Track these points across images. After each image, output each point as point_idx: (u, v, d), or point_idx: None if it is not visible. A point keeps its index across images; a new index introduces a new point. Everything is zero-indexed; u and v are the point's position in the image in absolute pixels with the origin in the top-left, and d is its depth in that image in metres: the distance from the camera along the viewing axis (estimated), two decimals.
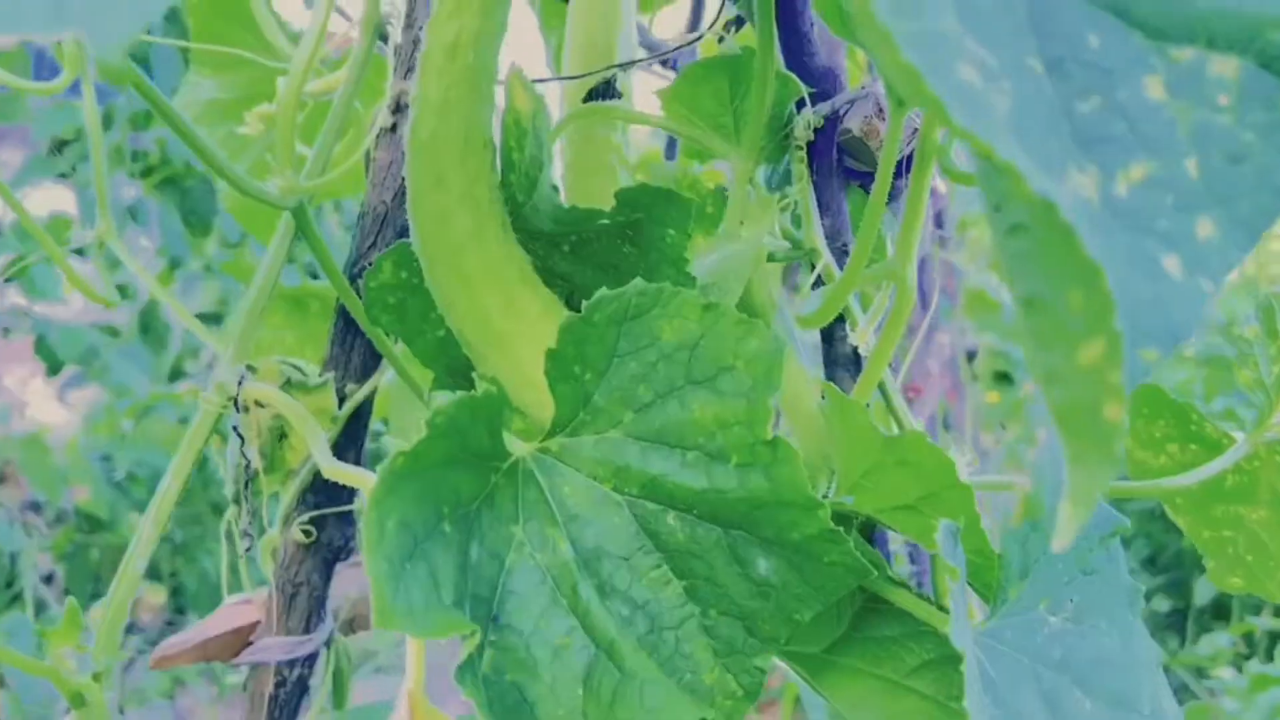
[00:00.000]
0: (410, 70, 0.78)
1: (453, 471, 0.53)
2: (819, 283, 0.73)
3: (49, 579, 3.73)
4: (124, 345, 3.99)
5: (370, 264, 0.80)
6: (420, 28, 0.77)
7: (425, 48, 0.62)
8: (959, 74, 0.33)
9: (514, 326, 0.64)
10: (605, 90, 0.76)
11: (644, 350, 0.56)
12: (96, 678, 0.63)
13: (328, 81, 0.80)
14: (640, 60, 0.75)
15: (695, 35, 0.78)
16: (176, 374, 4.42)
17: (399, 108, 0.78)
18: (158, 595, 3.86)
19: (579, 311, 0.73)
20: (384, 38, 0.78)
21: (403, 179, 0.80)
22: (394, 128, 0.78)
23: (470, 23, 0.62)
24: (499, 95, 0.65)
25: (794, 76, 0.71)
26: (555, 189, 0.58)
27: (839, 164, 0.75)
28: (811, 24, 0.76)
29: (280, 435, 0.74)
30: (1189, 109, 0.38)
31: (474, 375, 0.73)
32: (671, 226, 0.59)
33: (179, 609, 4.06)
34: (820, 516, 0.53)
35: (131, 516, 3.96)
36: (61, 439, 4.17)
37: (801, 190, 0.72)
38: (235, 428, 0.70)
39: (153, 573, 4.17)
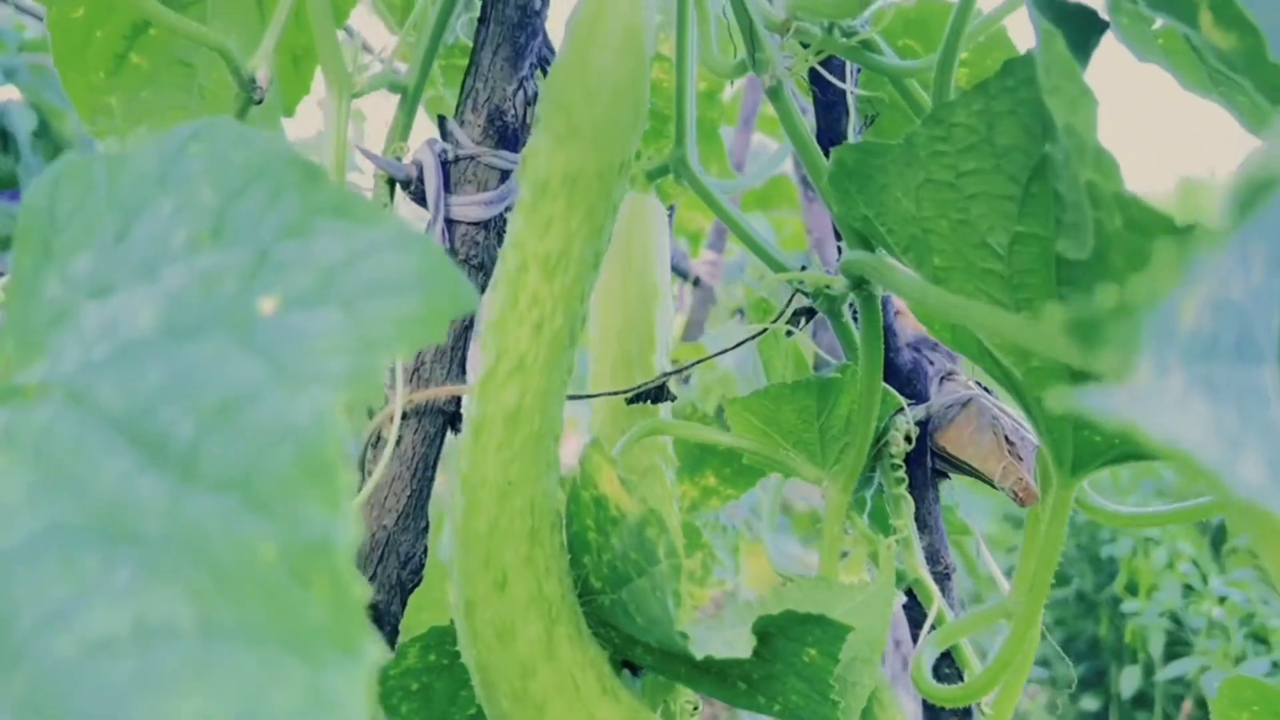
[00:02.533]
0: (418, 373, 0.64)
1: None
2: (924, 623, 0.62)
3: None
4: None
5: (369, 606, 0.65)
6: None
7: (478, 416, 0.49)
8: None
9: None
10: (657, 390, 0.64)
11: None
12: None
13: None
14: (690, 365, 0.63)
15: (760, 329, 0.67)
16: None
17: (403, 415, 0.64)
18: None
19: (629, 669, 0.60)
20: None
21: (410, 495, 0.66)
22: (399, 440, 0.64)
23: (535, 381, 0.49)
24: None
25: (890, 389, 0.60)
26: (684, 636, 0.45)
27: (933, 470, 0.64)
28: (896, 313, 0.65)
29: None
30: None
31: None
32: (814, 647, 0.46)
33: None
34: None
35: None
36: None
37: (902, 518, 0.61)
38: None
39: None
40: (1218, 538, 3.66)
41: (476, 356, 0.53)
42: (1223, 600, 3.20)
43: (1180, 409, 0.20)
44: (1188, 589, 3.41)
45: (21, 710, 0.21)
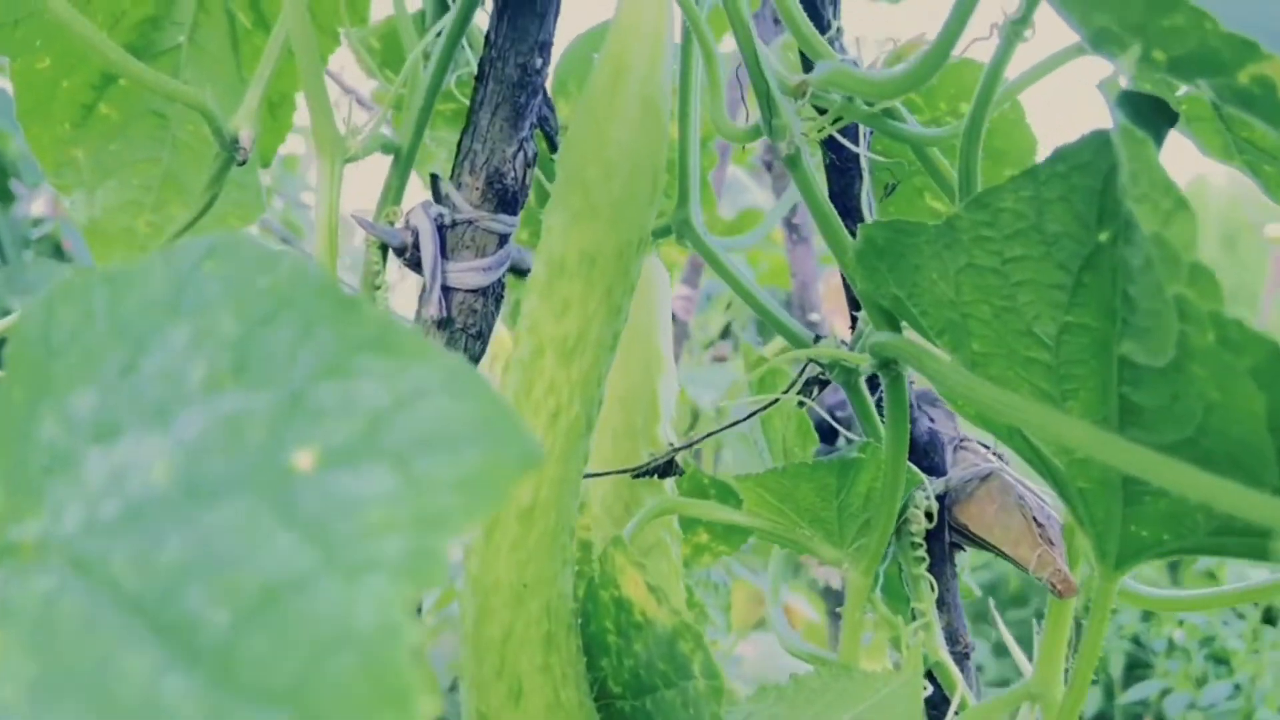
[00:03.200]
0: None
1: None
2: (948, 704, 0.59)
3: None
4: None
5: None
6: None
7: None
8: None
9: None
10: (665, 465, 0.61)
11: None
12: None
13: None
14: (692, 443, 0.60)
15: (772, 399, 0.64)
16: None
17: None
18: None
19: None
20: None
21: None
22: None
23: (551, 473, 0.46)
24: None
25: (910, 465, 0.58)
26: None
27: (951, 546, 0.62)
28: (910, 381, 0.63)
29: None
30: None
31: None
32: None
33: None
34: None
35: None
36: None
37: (924, 602, 0.58)
38: None
39: None
40: (1175, 560, 3.70)
41: None
42: (1182, 622, 3.22)
43: None
44: (1148, 611, 3.43)
45: None
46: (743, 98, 0.62)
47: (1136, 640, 3.48)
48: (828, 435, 0.94)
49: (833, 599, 1.53)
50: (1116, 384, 0.40)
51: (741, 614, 1.76)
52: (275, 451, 0.24)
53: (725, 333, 2.01)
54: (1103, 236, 0.40)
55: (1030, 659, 0.60)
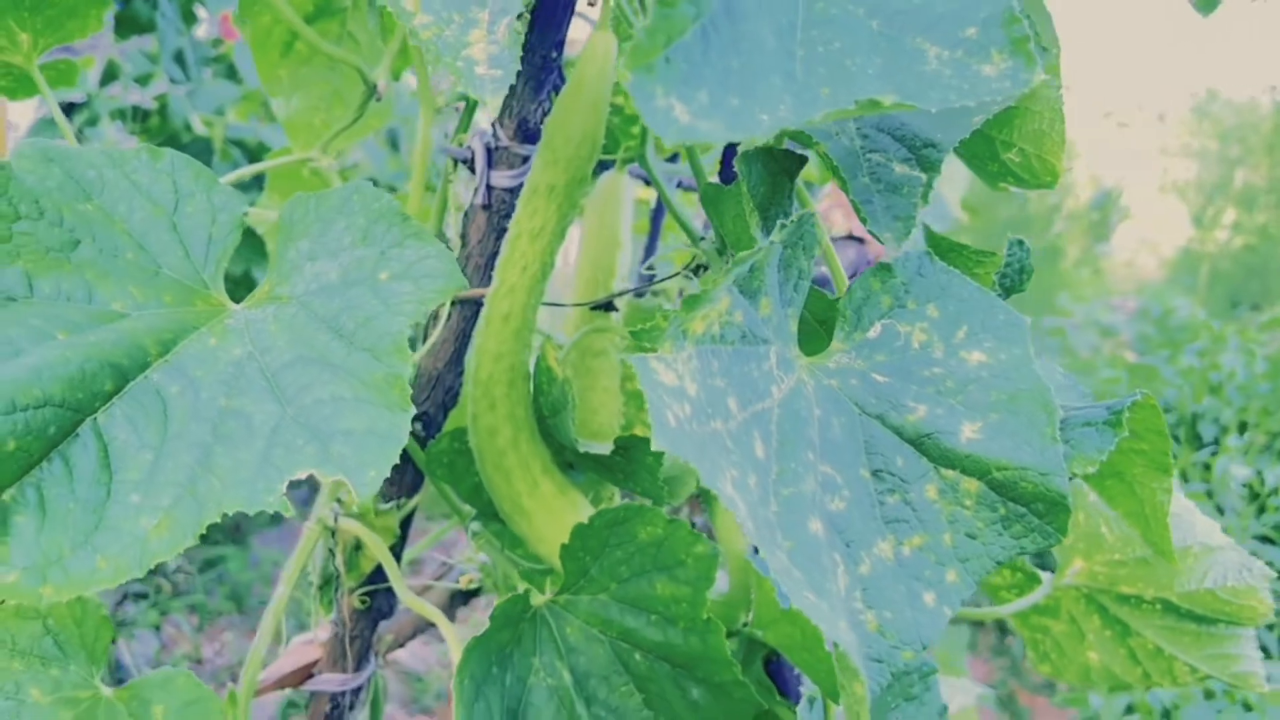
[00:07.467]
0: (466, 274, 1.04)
1: (498, 632, 0.81)
2: None
3: None
4: None
5: (423, 413, 1.07)
6: (472, 248, 1.04)
7: (485, 315, 0.90)
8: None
9: (536, 504, 0.92)
10: (608, 304, 1.04)
11: (626, 544, 0.85)
12: None
13: None
14: (631, 290, 1.02)
15: (674, 273, 1.05)
16: None
17: (452, 303, 1.05)
18: None
19: (572, 467, 1.01)
20: None
21: (453, 352, 1.07)
22: (449, 317, 1.05)
23: (520, 299, 0.89)
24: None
25: None
26: (577, 443, 0.85)
27: None
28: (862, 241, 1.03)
29: (357, 545, 1.02)
30: (949, 505, 0.67)
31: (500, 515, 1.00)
32: (649, 457, 0.87)
33: None
34: (734, 670, 0.82)
35: None
36: None
37: None
38: (330, 549, 0.98)
39: None
40: None
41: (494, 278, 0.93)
42: None
43: (684, 371, 0.60)
44: None
45: (298, 422, 0.62)
46: None
47: None
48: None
49: None
50: None
51: None
52: (374, 272, 0.68)
53: None
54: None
55: None
